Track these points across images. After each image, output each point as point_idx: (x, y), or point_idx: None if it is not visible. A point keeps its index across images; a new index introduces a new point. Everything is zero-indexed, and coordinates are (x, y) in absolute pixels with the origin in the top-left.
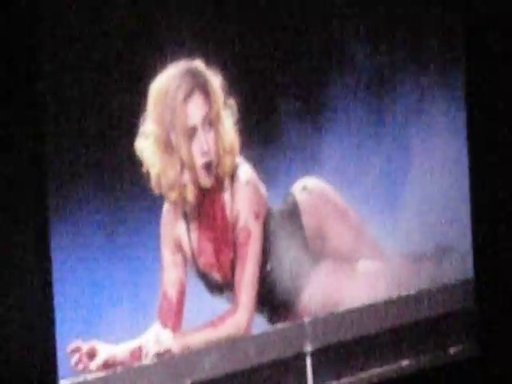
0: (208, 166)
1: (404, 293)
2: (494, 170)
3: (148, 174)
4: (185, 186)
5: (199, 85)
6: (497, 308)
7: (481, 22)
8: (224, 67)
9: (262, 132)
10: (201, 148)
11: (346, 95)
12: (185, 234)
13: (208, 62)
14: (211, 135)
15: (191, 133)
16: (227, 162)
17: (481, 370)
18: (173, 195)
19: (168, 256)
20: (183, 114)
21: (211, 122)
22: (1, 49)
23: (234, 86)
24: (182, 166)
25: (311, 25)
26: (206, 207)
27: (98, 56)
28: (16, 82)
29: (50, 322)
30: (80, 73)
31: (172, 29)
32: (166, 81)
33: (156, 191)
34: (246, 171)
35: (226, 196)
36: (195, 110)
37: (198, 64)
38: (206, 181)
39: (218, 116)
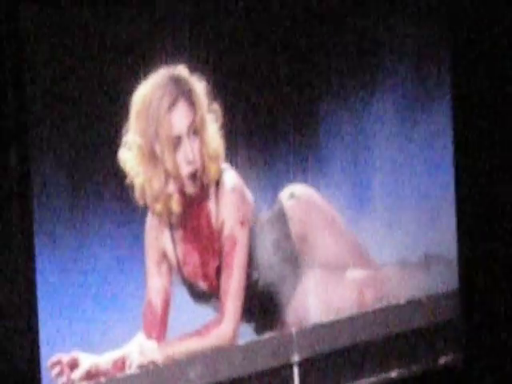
0: (193, 175)
1: (393, 302)
2: (480, 179)
3: (132, 185)
4: (170, 196)
5: (183, 93)
6: (483, 318)
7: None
8: (207, 71)
9: (248, 137)
10: (186, 157)
11: (335, 104)
12: (169, 242)
13: (191, 67)
14: (196, 143)
15: (176, 142)
16: (212, 168)
17: (469, 381)
18: (158, 206)
19: (153, 265)
20: (168, 124)
21: (196, 129)
22: None
23: (218, 90)
24: (167, 176)
25: (295, 26)
26: (191, 215)
27: (80, 66)
28: None
29: (35, 334)
30: (61, 83)
31: (153, 35)
32: (149, 90)
33: (140, 202)
34: (231, 177)
35: (211, 203)
36: (180, 119)
37: (181, 70)
38: (192, 189)
39: (202, 123)
